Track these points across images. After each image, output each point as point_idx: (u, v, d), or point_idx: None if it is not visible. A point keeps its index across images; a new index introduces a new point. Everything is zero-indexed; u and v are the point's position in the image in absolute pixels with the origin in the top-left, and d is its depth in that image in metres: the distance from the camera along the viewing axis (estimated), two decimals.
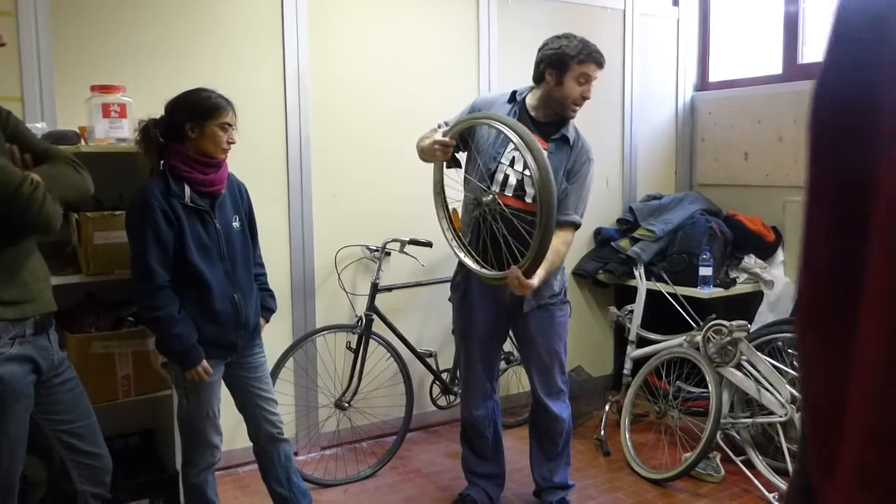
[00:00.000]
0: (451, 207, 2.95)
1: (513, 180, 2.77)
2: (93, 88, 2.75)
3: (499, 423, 3.12)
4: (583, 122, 4.37)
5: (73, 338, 2.63)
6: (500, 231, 2.67)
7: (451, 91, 3.94)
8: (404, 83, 3.83)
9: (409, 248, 3.61)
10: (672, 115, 4.82)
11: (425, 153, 2.86)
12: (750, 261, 4.17)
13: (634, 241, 4.27)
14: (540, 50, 2.83)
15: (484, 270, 2.72)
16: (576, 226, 2.82)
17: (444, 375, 3.80)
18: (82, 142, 2.69)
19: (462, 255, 2.82)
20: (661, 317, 3.96)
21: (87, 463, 2.15)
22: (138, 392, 2.77)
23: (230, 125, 2.51)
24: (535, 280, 2.57)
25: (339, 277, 3.66)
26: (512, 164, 2.77)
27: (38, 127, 2.68)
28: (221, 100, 2.50)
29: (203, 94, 2.49)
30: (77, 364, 2.20)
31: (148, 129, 2.47)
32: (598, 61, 2.78)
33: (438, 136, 2.77)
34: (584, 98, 2.81)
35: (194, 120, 2.45)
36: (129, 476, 2.82)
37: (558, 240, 2.67)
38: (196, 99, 2.48)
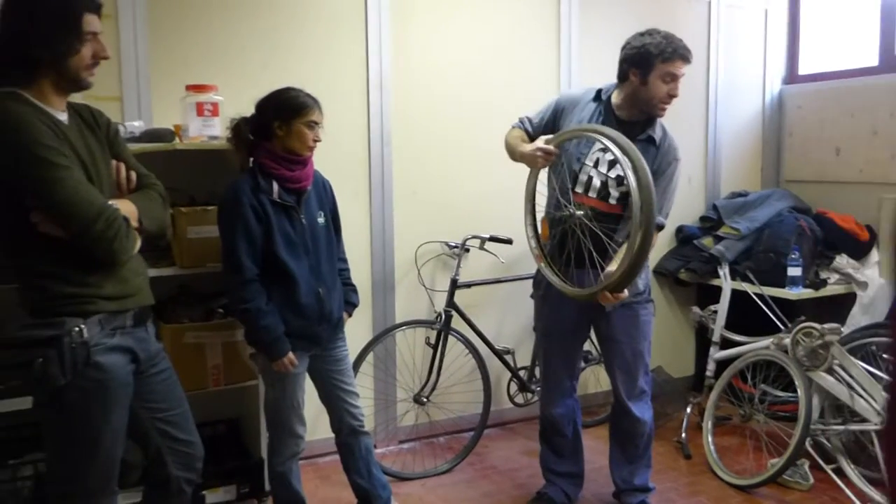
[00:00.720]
0: (539, 217, 2.90)
1: (597, 182, 2.74)
2: (188, 88, 2.85)
3: (578, 422, 3.09)
4: (664, 118, 4.32)
5: (166, 328, 2.74)
6: (585, 246, 2.64)
7: (531, 88, 3.92)
8: (484, 80, 3.83)
9: (488, 245, 3.62)
10: (759, 109, 4.67)
11: (524, 158, 2.75)
12: (842, 261, 4.01)
13: (718, 239, 4.16)
14: (623, 48, 2.77)
15: (569, 288, 2.70)
16: (660, 227, 2.75)
17: (522, 373, 3.79)
18: (177, 139, 2.79)
19: (547, 271, 2.79)
20: (746, 318, 3.84)
21: (180, 449, 2.22)
22: (227, 381, 2.86)
23: (316, 123, 2.57)
24: (626, 292, 2.59)
25: (419, 273, 3.69)
26: (596, 165, 2.74)
27: (136, 125, 2.80)
28: (308, 98, 2.56)
29: (291, 93, 2.55)
30: (170, 353, 2.28)
31: (239, 127, 2.55)
32: (685, 56, 2.70)
33: (541, 144, 2.68)
34: (672, 96, 2.74)
35: (282, 118, 2.51)
36: (216, 463, 2.91)
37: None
38: (284, 98, 2.54)
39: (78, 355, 1.91)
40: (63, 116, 1.95)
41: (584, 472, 3.16)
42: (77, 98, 2.05)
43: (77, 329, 1.91)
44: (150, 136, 2.75)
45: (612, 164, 2.69)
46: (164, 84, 3.09)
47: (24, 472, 2.67)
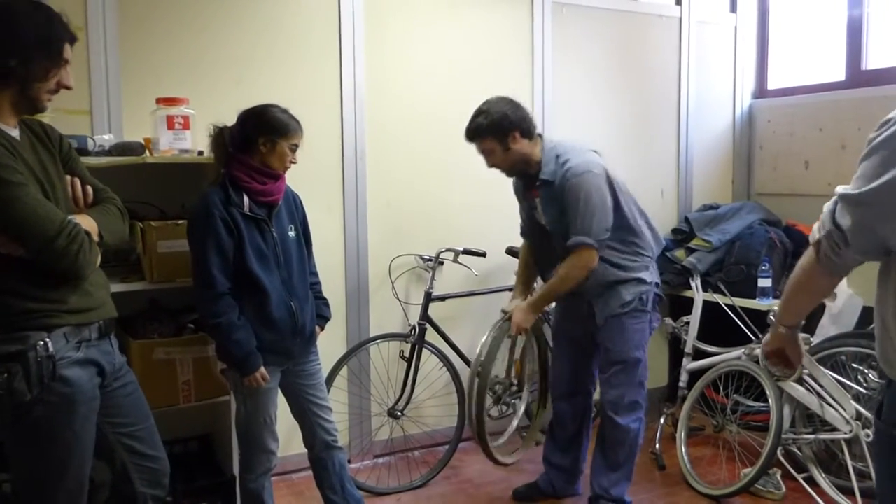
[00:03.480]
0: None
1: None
2: (158, 101, 2.83)
3: (586, 423, 3.24)
4: (636, 131, 4.37)
5: (136, 343, 2.70)
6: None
7: None
8: (458, 92, 3.83)
9: (462, 258, 3.62)
10: (729, 123, 4.73)
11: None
12: None
13: (690, 251, 4.20)
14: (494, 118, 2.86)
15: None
16: (586, 246, 2.79)
17: (497, 386, 3.78)
18: (147, 153, 2.77)
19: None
20: (718, 329, 3.88)
21: (146, 465, 2.19)
22: (198, 398, 2.83)
23: (297, 146, 2.58)
24: (525, 316, 3.01)
25: (393, 286, 3.68)
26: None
27: (106, 138, 2.78)
28: (296, 122, 2.58)
29: (280, 114, 2.56)
30: (140, 369, 2.26)
31: (222, 136, 2.53)
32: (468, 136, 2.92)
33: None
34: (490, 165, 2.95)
35: (268, 134, 2.52)
36: (188, 480, 2.88)
37: (569, 264, 2.82)
38: (274, 115, 2.55)
39: (44, 369, 1.89)
40: (15, 133, 1.94)
41: (582, 471, 3.29)
42: (47, 111, 2.04)
43: (42, 343, 1.88)
44: (120, 149, 2.73)
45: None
46: (135, 97, 3.07)
47: None
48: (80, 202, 2.07)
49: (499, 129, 2.82)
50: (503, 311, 3.19)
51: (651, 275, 2.98)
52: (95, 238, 1.99)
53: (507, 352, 3.66)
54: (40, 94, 1.93)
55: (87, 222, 1.98)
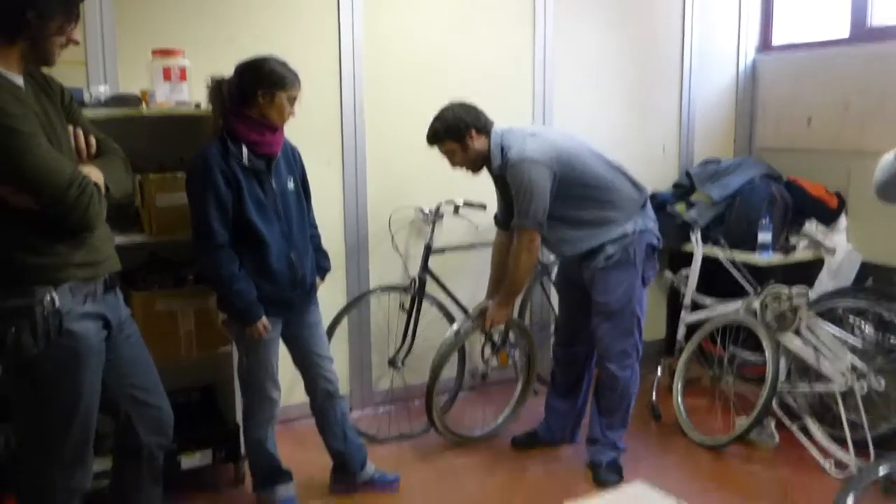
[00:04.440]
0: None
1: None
2: (154, 52, 2.81)
3: (586, 370, 3.31)
4: (638, 86, 4.33)
5: (137, 296, 2.73)
6: None
7: (504, 57, 3.92)
8: (458, 45, 3.80)
9: (462, 211, 3.63)
10: (732, 78, 4.68)
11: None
12: (811, 227, 4.06)
13: (691, 205, 4.19)
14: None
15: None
16: (524, 229, 2.92)
17: (495, 336, 3.82)
18: (144, 105, 2.76)
19: None
20: (717, 282, 3.90)
21: (150, 415, 2.23)
22: (200, 349, 2.87)
23: (296, 99, 2.57)
24: (498, 312, 3.16)
25: (393, 239, 3.69)
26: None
27: (101, 90, 2.76)
28: (294, 74, 2.56)
29: (278, 66, 2.54)
30: (141, 321, 2.27)
31: (220, 87, 2.52)
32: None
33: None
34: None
35: (267, 87, 2.50)
36: (191, 429, 2.92)
37: (515, 248, 2.97)
38: (273, 67, 2.53)
39: (51, 324, 1.90)
40: (20, 81, 1.92)
41: (581, 421, 3.38)
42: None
43: (48, 298, 1.90)
44: (117, 101, 2.72)
45: None
46: (130, 48, 3.04)
47: None
48: (83, 153, 2.06)
49: (455, 131, 2.97)
50: (474, 310, 3.31)
51: (635, 224, 3.01)
52: (102, 190, 1.99)
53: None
54: (53, 47, 1.92)
55: (93, 173, 1.98)
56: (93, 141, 2.09)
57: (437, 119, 3.01)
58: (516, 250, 2.99)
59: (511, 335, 3.74)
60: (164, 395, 2.29)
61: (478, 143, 2.98)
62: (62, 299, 1.92)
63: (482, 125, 2.99)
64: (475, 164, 3.03)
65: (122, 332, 2.15)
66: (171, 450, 2.36)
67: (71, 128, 2.05)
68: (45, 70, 2.03)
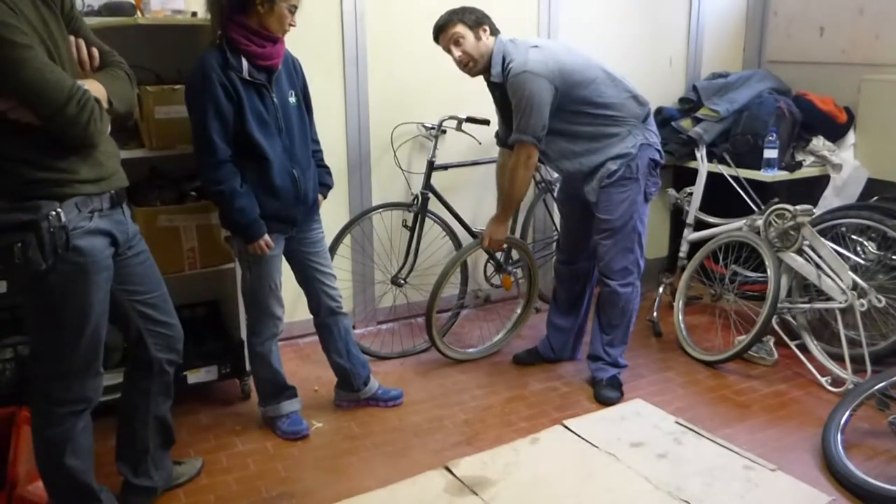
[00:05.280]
0: None
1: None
2: None
3: (587, 286, 3.34)
4: None
5: (139, 211, 2.70)
6: None
7: None
8: None
9: (465, 126, 3.56)
10: None
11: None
12: (818, 143, 4.01)
13: (697, 121, 4.12)
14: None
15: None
16: (522, 143, 2.88)
17: (498, 255, 3.82)
18: (138, 14, 2.66)
19: None
20: (721, 200, 3.88)
21: (160, 331, 2.24)
22: (203, 265, 2.86)
23: (296, 8, 2.47)
24: (496, 228, 3.14)
25: (395, 155, 3.64)
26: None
27: None
28: None
29: None
30: (144, 236, 2.25)
31: None
32: None
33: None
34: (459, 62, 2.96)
35: None
36: (196, 344, 2.95)
37: (513, 161, 2.94)
38: None
39: (57, 239, 1.87)
40: None
41: (582, 339, 3.44)
42: None
43: (54, 213, 1.86)
44: (110, 9, 2.62)
45: None
46: None
47: (4, 355, 2.68)
48: (86, 66, 1.98)
49: (471, 17, 2.90)
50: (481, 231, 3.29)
51: (636, 139, 2.96)
52: (105, 104, 1.93)
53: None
54: None
55: (95, 88, 1.91)
56: (95, 53, 2.01)
57: (450, 10, 2.93)
58: (513, 165, 2.95)
59: (514, 254, 3.74)
60: (174, 312, 2.29)
61: (487, 41, 2.90)
62: (68, 215, 1.89)
63: (493, 27, 2.94)
64: (477, 63, 2.93)
65: (131, 249, 2.13)
66: (180, 365, 2.38)
67: (72, 38, 1.97)
68: None
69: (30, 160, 1.86)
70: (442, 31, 2.92)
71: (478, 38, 2.89)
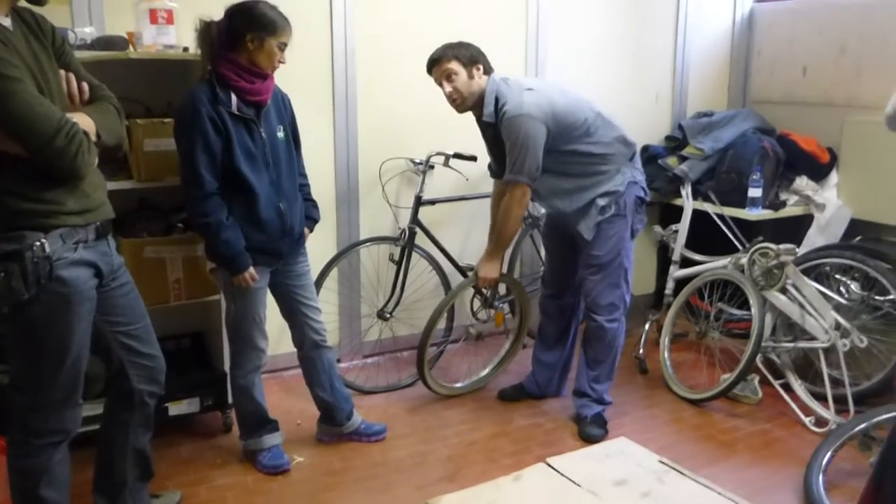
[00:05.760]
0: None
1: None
2: None
3: (572, 321, 3.35)
4: (632, 33, 4.25)
5: (126, 242, 2.70)
6: None
7: (499, 4, 3.84)
8: None
9: (453, 162, 3.59)
10: (729, 27, 4.61)
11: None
12: (802, 182, 4.06)
13: (682, 158, 4.17)
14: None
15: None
16: (517, 183, 2.91)
17: (486, 290, 3.83)
18: (131, 48, 2.69)
19: None
20: (706, 237, 3.91)
21: (143, 363, 2.24)
22: (189, 296, 2.86)
23: (286, 45, 2.51)
24: (487, 266, 3.15)
25: (384, 190, 3.67)
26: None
27: (87, 31, 2.69)
28: (284, 19, 2.50)
29: (269, 10, 2.48)
30: (130, 268, 2.26)
31: (209, 30, 2.45)
32: None
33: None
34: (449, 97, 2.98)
35: (257, 32, 2.44)
36: (180, 375, 2.93)
37: (507, 200, 2.97)
38: (262, 12, 2.46)
39: (41, 269, 1.88)
40: (7, 22, 1.85)
41: (567, 375, 3.42)
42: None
43: (38, 243, 1.87)
44: (103, 43, 2.65)
45: None
46: None
47: None
48: (75, 99, 2.01)
49: (467, 55, 2.91)
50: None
51: (624, 177, 3.00)
52: (93, 137, 1.95)
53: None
54: None
55: (84, 121, 1.93)
56: (85, 87, 2.03)
57: (446, 44, 2.96)
58: (507, 204, 2.97)
59: (502, 289, 3.75)
60: (157, 344, 2.29)
61: (480, 80, 2.93)
62: (52, 245, 1.90)
63: (487, 66, 2.96)
64: (466, 100, 2.94)
65: (115, 281, 2.14)
66: (161, 397, 2.37)
67: (63, 72, 1.99)
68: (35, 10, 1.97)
69: (16, 191, 1.87)
70: (436, 65, 2.94)
71: (471, 76, 2.91)
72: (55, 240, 1.91)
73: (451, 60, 2.90)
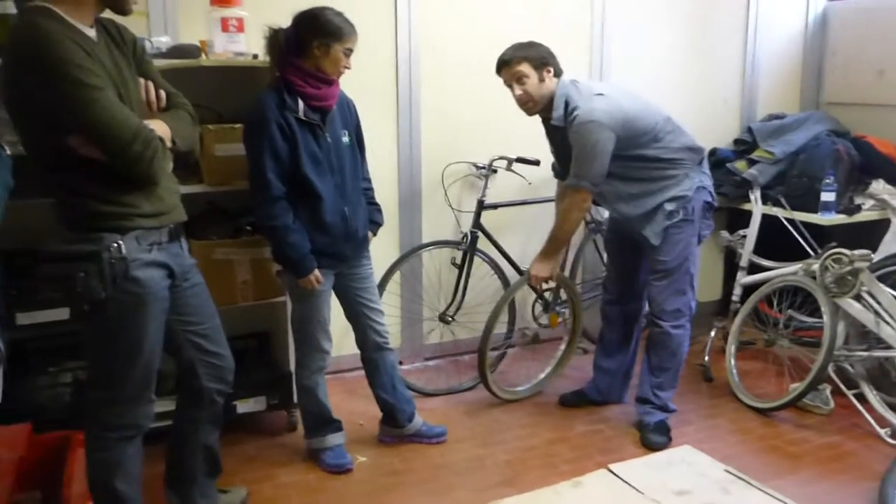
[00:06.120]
0: None
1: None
2: (212, 2, 2.82)
3: (635, 328, 3.32)
4: (700, 34, 4.17)
5: (196, 244, 2.78)
6: None
7: (561, 5, 3.83)
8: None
9: (515, 166, 3.59)
10: (801, 27, 4.49)
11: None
12: (878, 186, 3.92)
13: (752, 162, 4.08)
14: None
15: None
16: (579, 188, 2.88)
17: (547, 294, 3.81)
18: (203, 56, 2.78)
19: None
20: (775, 243, 3.81)
21: (212, 362, 2.30)
22: (256, 297, 2.93)
23: (351, 51, 2.55)
24: (540, 265, 3.11)
25: (446, 194, 3.69)
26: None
27: (163, 41, 2.79)
28: (351, 26, 2.54)
29: (335, 17, 2.52)
30: (200, 269, 2.32)
31: (277, 37, 2.51)
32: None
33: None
34: (519, 100, 2.94)
35: (323, 38, 2.49)
36: (246, 374, 3.00)
37: (567, 203, 2.96)
38: (328, 19, 2.51)
39: (117, 270, 1.96)
40: (92, 33, 1.94)
41: (629, 381, 3.39)
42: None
43: (115, 245, 1.95)
44: (177, 52, 2.74)
45: None
46: None
47: (63, 380, 2.79)
48: (153, 106, 2.09)
49: (538, 56, 2.88)
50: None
51: (692, 182, 2.96)
52: (168, 144, 2.02)
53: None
54: None
55: (160, 128, 2.01)
56: (162, 94, 2.12)
57: (517, 45, 2.92)
58: (567, 206, 2.96)
59: (562, 294, 3.73)
60: (226, 344, 2.35)
61: (550, 83, 2.89)
62: (128, 247, 1.98)
63: (557, 68, 2.93)
64: (537, 103, 2.91)
65: (187, 281, 2.20)
66: (229, 395, 2.43)
67: (142, 81, 2.08)
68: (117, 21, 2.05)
69: (96, 194, 1.95)
70: (505, 66, 2.90)
71: (541, 79, 2.88)
72: (131, 241, 1.99)
73: (522, 62, 2.86)
